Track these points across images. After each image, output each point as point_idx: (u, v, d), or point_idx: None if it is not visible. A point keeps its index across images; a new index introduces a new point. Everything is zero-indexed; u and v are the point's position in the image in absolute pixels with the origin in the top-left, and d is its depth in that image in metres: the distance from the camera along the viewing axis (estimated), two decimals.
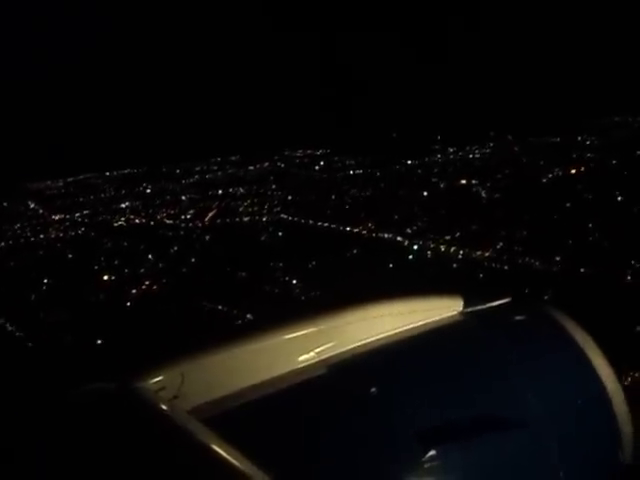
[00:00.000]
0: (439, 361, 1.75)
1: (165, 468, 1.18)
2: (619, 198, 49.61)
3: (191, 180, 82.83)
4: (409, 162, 79.05)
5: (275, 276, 36.57)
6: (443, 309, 1.90)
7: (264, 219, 50.72)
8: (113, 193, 76.38)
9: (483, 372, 1.73)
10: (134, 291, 33.61)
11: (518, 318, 1.95)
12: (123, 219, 52.87)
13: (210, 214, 52.95)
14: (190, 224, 49.33)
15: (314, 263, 38.72)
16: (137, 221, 51.73)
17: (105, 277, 35.62)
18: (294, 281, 35.61)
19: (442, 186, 67.02)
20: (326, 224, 48.43)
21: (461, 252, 41.12)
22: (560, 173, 65.04)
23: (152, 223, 50.00)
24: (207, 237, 44.50)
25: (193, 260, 39.54)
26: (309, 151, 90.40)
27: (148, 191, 78.42)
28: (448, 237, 43.85)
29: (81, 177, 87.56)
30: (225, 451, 1.23)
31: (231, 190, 73.63)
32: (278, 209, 55.42)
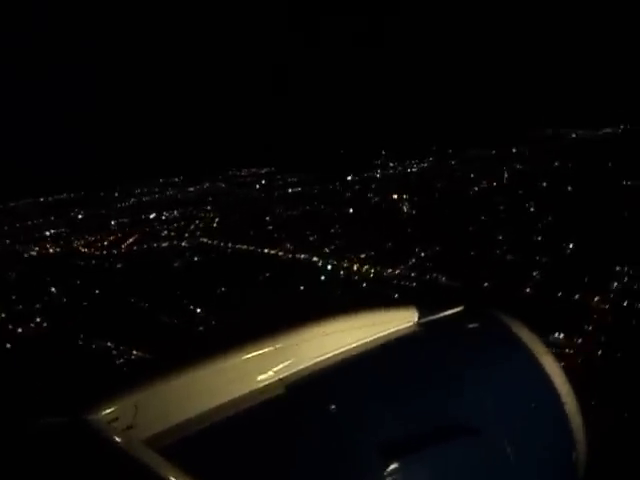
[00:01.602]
0: (396, 373, 1.74)
1: None
2: (532, 209, 50.55)
3: (126, 204, 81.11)
4: (349, 178, 79.68)
5: (178, 305, 35.34)
6: (399, 321, 1.89)
7: (183, 244, 49.36)
8: (41, 220, 73.86)
9: (438, 381, 1.73)
10: (20, 330, 31.80)
11: (471, 326, 1.95)
12: (37, 249, 50.55)
13: (130, 240, 51.25)
14: (105, 252, 47.52)
15: (222, 289, 37.68)
16: (51, 250, 49.66)
17: None
18: (198, 310, 34.48)
19: (371, 202, 67.31)
20: (245, 246, 47.49)
21: (372, 270, 40.85)
22: (485, 185, 66.23)
23: (67, 252, 47.87)
24: (118, 265, 42.88)
25: (97, 292, 37.89)
26: (254, 169, 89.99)
27: (79, 217, 76.20)
28: (363, 255, 43.65)
29: (12, 204, 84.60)
30: None
31: (165, 213, 72.19)
32: (200, 233, 54.17)
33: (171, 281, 39.97)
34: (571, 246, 40.60)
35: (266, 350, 1.64)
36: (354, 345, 1.79)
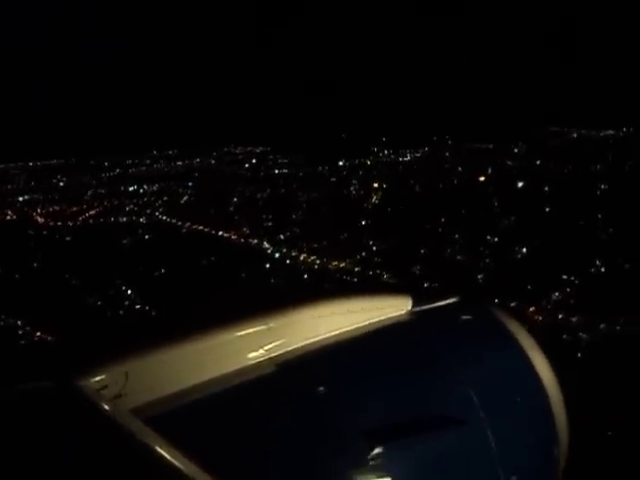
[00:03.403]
0: (386, 359, 1.76)
1: (104, 468, 1.14)
2: (499, 209, 48.92)
3: (111, 174, 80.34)
4: (340, 163, 78.29)
5: (111, 284, 34.55)
6: (392, 308, 1.92)
7: (141, 220, 48.46)
8: (20, 185, 73.64)
9: (427, 371, 1.76)
10: None
11: (463, 318, 1.97)
12: None
13: (92, 212, 50.51)
14: (60, 222, 46.86)
15: (162, 271, 36.80)
16: (9, 217, 49.03)
17: None
18: (129, 291, 33.65)
19: (348, 190, 65.97)
20: (200, 227, 46.49)
21: (318, 262, 39.70)
22: (466, 179, 64.50)
23: (24, 220, 47.32)
24: (67, 239, 42.12)
25: (34, 265, 37.22)
26: (250, 148, 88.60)
27: (60, 184, 75.82)
28: (315, 245, 42.45)
29: (1, 166, 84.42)
30: (166, 452, 1.20)
31: (144, 186, 71.52)
32: (163, 209, 53.26)
33: (111, 259, 39.17)
34: (524, 250, 39.10)
35: (258, 329, 1.63)
36: (346, 329, 1.78)
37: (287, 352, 1.66)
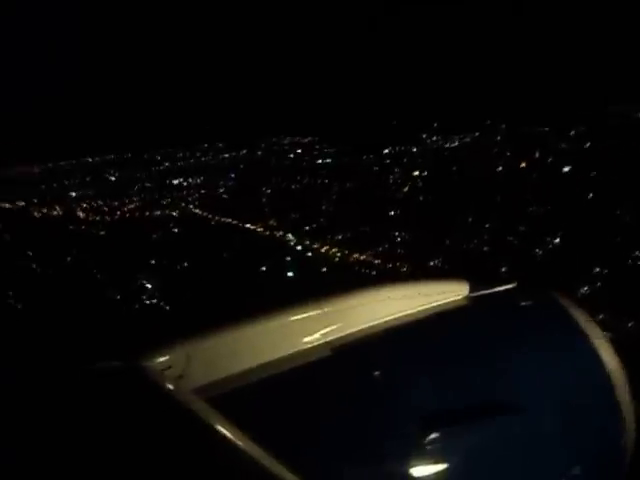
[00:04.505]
0: (443, 345, 1.76)
1: (168, 447, 1.20)
2: (536, 196, 46.21)
3: (160, 168, 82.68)
4: (385, 151, 76.86)
5: (132, 278, 35.40)
6: (449, 293, 1.91)
7: (174, 214, 49.53)
8: (77, 181, 77.20)
9: (487, 356, 1.74)
10: None
11: (523, 303, 1.95)
12: (45, 210, 52.73)
13: (131, 206, 52.24)
14: (99, 217, 48.69)
15: (184, 264, 37.35)
16: (55, 212, 51.54)
17: None
18: (148, 285, 34.33)
19: (387, 180, 64.51)
20: (229, 220, 46.87)
21: (339, 254, 38.93)
22: (511, 165, 61.42)
23: (68, 215, 49.59)
24: (101, 233, 43.63)
25: (67, 259, 38.80)
26: (297, 138, 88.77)
27: (112, 179, 78.88)
28: (340, 237, 41.63)
29: (62, 163, 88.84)
30: (228, 430, 1.26)
31: (189, 180, 73.19)
32: (199, 202, 54.20)
33: (138, 253, 40.18)
34: (557, 241, 36.53)
35: (314, 313, 1.66)
36: (403, 314, 1.78)
37: (343, 336, 1.66)
